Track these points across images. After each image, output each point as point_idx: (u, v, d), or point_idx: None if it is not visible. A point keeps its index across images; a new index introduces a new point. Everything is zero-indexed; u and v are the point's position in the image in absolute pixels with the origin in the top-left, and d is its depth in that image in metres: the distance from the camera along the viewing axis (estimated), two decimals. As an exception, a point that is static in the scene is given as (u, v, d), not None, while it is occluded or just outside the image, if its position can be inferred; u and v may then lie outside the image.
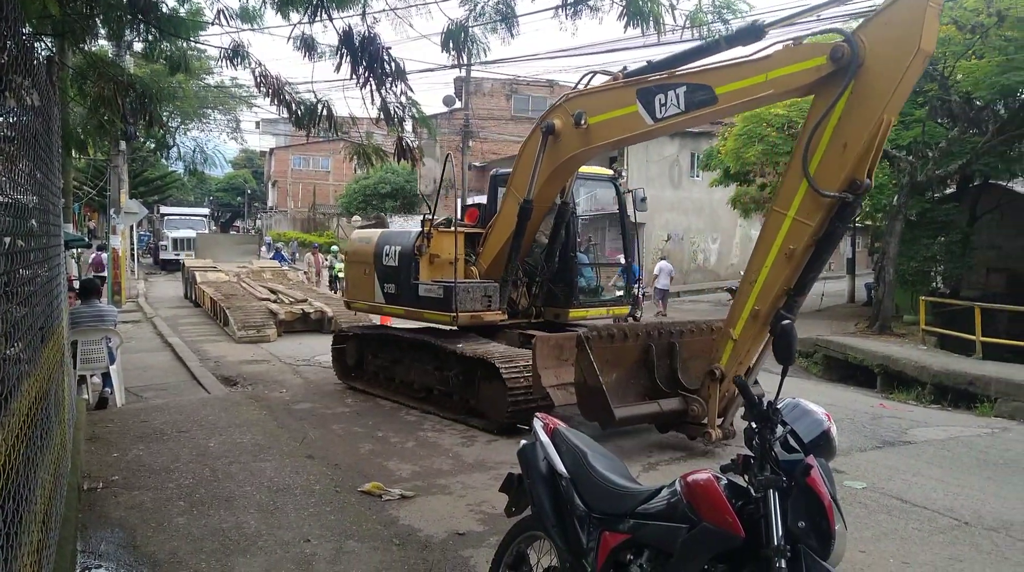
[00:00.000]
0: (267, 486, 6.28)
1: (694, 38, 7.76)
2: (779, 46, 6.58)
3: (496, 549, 3.94)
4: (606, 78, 8.25)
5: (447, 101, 39.68)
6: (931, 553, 5.23)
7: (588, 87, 8.34)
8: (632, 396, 7.50)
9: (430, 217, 9.30)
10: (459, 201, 34.32)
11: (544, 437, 3.66)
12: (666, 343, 7.92)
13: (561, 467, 3.49)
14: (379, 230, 10.60)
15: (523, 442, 3.81)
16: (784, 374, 3.03)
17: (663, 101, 7.36)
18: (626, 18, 7.48)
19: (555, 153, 8.49)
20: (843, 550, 2.77)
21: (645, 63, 7.92)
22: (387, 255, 9.77)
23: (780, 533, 2.62)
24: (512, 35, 8.41)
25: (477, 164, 39.85)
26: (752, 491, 2.76)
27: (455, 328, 9.13)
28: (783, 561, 2.60)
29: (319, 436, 8.03)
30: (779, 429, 2.83)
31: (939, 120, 16.86)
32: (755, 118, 17.84)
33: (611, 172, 10.11)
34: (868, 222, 23.36)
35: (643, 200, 9.69)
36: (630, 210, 9.93)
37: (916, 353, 14.86)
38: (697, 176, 33.39)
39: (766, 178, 19.95)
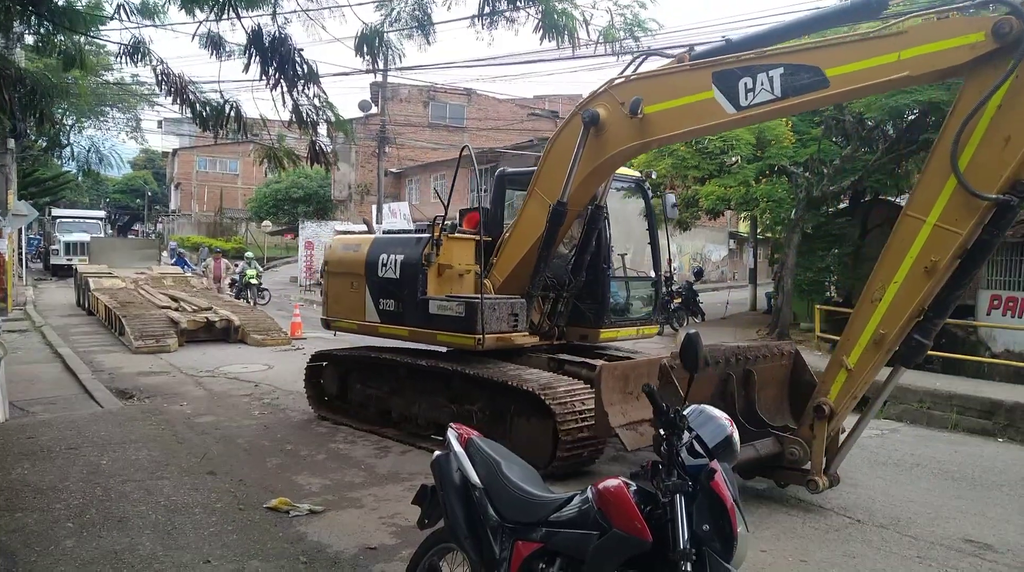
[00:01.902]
0: (164, 505, 5.78)
1: (607, 52, 7.89)
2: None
3: (408, 563, 3.85)
4: (665, 61, 6.82)
5: (363, 106, 37.66)
6: (827, 550, 5.37)
7: (642, 71, 6.87)
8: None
9: (440, 221, 7.55)
10: (375, 207, 32.45)
11: (458, 447, 3.56)
12: (743, 371, 6.53)
13: (475, 477, 3.41)
14: (370, 236, 8.76)
15: (437, 453, 3.69)
16: (691, 382, 3.15)
17: (750, 86, 5.98)
18: (542, 31, 7.43)
19: (599, 147, 6.97)
20: (745, 551, 2.75)
21: (723, 40, 6.49)
22: (384, 266, 7.97)
23: (686, 537, 2.62)
24: (428, 42, 8.24)
25: (393, 170, 37.93)
26: (660, 496, 2.74)
27: (476, 351, 7.40)
28: (688, 564, 2.59)
29: (222, 451, 7.43)
30: (685, 435, 2.83)
31: (834, 139, 17.28)
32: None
33: (639, 174, 8.66)
34: (769, 234, 23.71)
35: (674, 206, 8.31)
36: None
37: (811, 358, 14.19)
38: (614, 187, 32.58)
39: (677, 190, 19.48)
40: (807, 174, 16.84)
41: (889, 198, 19.03)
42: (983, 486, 7.15)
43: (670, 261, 8.63)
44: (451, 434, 3.70)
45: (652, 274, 8.53)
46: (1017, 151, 4.94)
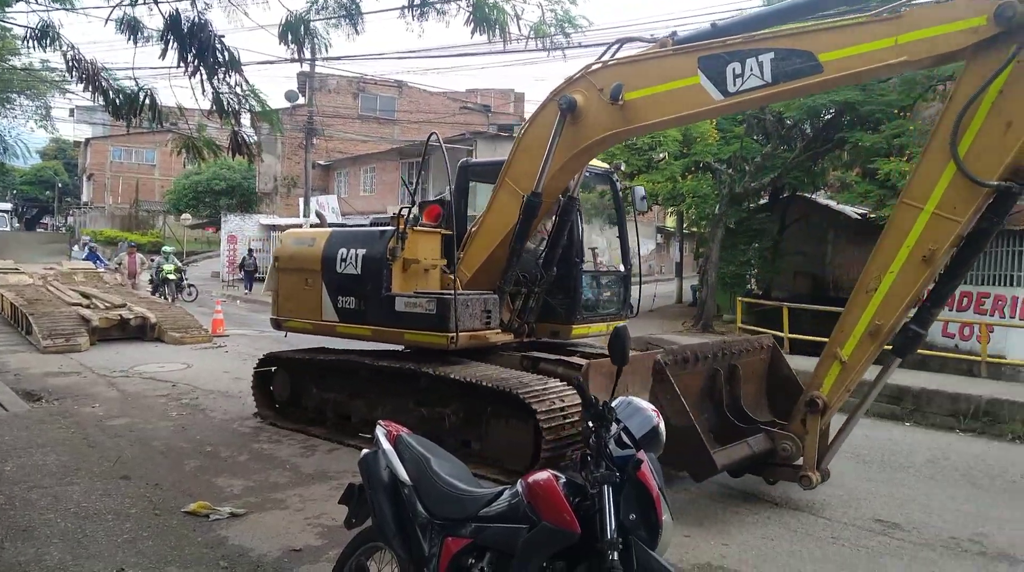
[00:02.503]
0: (74, 512, 5.46)
1: (538, 48, 7.81)
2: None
3: (335, 563, 3.75)
4: (644, 47, 6.50)
5: (289, 96, 36.51)
6: (747, 534, 5.48)
7: (621, 56, 6.54)
8: (711, 435, 5.80)
9: (405, 211, 7.06)
10: (303, 200, 31.39)
11: (387, 445, 3.50)
12: (728, 366, 6.29)
13: (404, 474, 3.35)
14: (326, 229, 8.16)
15: (365, 451, 3.61)
16: (619, 375, 3.11)
17: (738, 71, 5.73)
18: (473, 23, 7.29)
19: (576, 135, 6.62)
20: (670, 538, 2.81)
21: (709, 25, 6.22)
22: (344, 261, 7.41)
23: (613, 527, 2.64)
24: (357, 31, 8.01)
25: (322, 163, 36.85)
26: (588, 488, 2.75)
27: (446, 350, 6.95)
28: (615, 554, 2.61)
29: (137, 454, 7.02)
30: (613, 427, 2.85)
31: (755, 137, 17.66)
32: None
33: (607, 166, 8.34)
34: (694, 229, 24.35)
35: (643, 199, 8.02)
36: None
37: None
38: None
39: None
40: (730, 171, 17.19)
41: (806, 194, 19.77)
42: (891, 468, 7.44)
43: (636, 253, 8.31)
44: (380, 431, 3.62)
45: (621, 268, 8.22)
46: (1019, 137, 4.82)
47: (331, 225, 9.12)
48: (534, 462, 6.11)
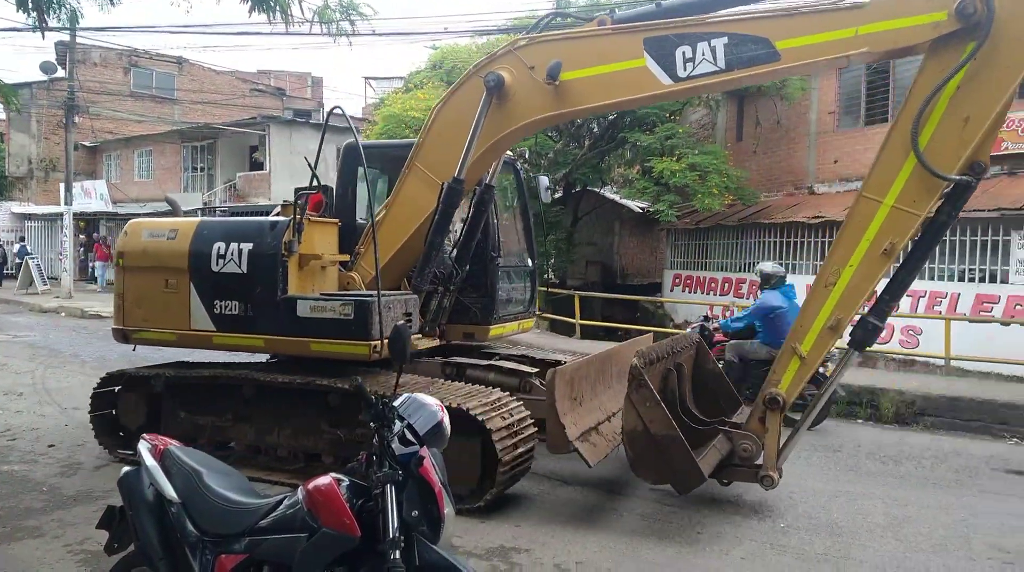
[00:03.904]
0: None
1: (322, 33, 7.67)
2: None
3: None
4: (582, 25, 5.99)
5: (46, 68, 31.68)
6: (537, 515, 5.53)
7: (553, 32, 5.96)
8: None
9: (302, 198, 5.97)
10: (64, 185, 27.37)
11: (151, 461, 3.26)
12: (675, 365, 5.96)
13: (171, 492, 3.14)
14: (192, 219, 6.74)
15: (126, 469, 3.36)
16: (399, 373, 3.21)
17: (689, 55, 5.43)
18: (250, 3, 6.98)
19: (503, 117, 6.00)
20: (452, 531, 2.86)
21: (654, 5, 5.79)
22: (221, 257, 6.14)
23: (395, 525, 2.63)
24: (112, 2, 7.63)
25: (87, 144, 32.46)
26: (372, 488, 2.73)
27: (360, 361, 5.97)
28: (397, 552, 2.60)
29: None
30: (396, 425, 2.83)
31: (549, 133, 18.30)
32: (394, 118, 17.39)
33: (510, 153, 7.70)
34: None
35: (548, 189, 7.52)
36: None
37: (530, 336, 15.10)
38: (346, 171, 31.02)
39: None
40: (526, 165, 17.49)
41: (594, 189, 20.80)
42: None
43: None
44: (143, 446, 3.37)
45: (529, 263, 7.64)
46: (976, 131, 4.89)
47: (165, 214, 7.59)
48: (482, 482, 5.41)
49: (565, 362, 6.81)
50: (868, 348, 5.47)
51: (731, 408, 6.45)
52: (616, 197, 22.19)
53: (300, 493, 2.87)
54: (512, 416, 5.43)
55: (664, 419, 4.93)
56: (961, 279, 12.40)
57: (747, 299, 15.14)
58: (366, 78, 34.34)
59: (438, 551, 2.74)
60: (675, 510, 5.69)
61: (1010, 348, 10.51)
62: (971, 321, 11.39)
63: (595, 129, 17.76)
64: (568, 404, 5.21)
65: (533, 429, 5.60)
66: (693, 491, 5.41)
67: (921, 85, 5.04)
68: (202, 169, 30.12)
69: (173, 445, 3.35)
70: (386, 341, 5.73)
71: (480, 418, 5.20)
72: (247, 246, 6.08)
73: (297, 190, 7.35)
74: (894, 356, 12.28)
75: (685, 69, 5.45)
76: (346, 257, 6.56)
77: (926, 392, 9.37)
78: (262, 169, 29.18)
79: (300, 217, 6.00)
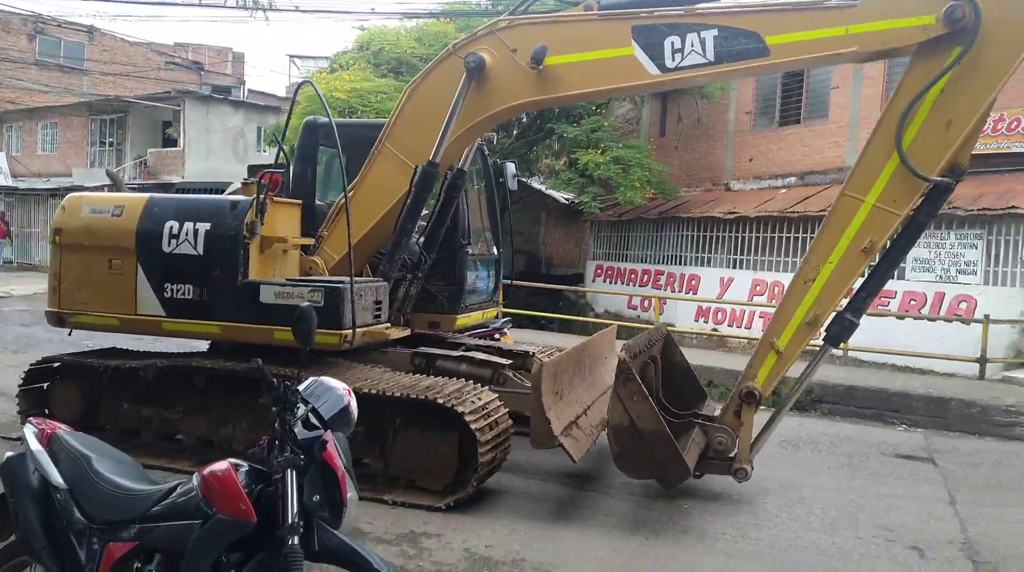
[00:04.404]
0: None
1: (238, 5, 7.90)
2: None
3: None
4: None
5: (-65, 28, 29.33)
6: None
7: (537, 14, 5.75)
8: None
9: (268, 176, 5.58)
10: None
11: (36, 445, 3.09)
12: (650, 357, 5.88)
13: (57, 478, 3.00)
14: (140, 195, 6.17)
15: (8, 454, 3.19)
16: (304, 356, 3.08)
17: (678, 46, 5.33)
18: None
19: (482, 101, 5.76)
20: (355, 516, 2.82)
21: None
22: (174, 237, 5.66)
23: (294, 511, 2.60)
24: None
25: (-16, 114, 30.16)
26: (273, 474, 2.69)
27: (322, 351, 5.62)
28: (295, 538, 2.57)
29: None
30: (300, 409, 2.79)
31: None
32: (317, 99, 16.31)
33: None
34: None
35: (514, 176, 7.33)
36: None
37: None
38: (264, 151, 29.97)
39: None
40: None
41: (522, 179, 20.71)
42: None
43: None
44: (29, 430, 3.20)
45: (494, 251, 7.40)
46: (958, 135, 4.96)
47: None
48: (458, 478, 5.19)
49: (533, 354, 6.67)
50: (843, 344, 5.52)
51: (697, 400, 6.43)
52: (543, 187, 22.24)
53: (195, 479, 2.81)
54: (490, 410, 5.21)
55: (651, 414, 4.82)
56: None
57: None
58: (290, 56, 33.21)
59: (339, 536, 2.72)
60: (578, 494, 5.71)
61: (904, 341, 11.00)
62: (869, 315, 11.74)
63: (524, 119, 17.54)
64: (552, 398, 5.04)
65: (510, 422, 5.42)
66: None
67: (907, 87, 5.08)
68: (111, 144, 28.38)
69: (62, 429, 3.21)
70: (359, 330, 5.44)
71: (463, 413, 4.96)
72: (204, 226, 5.61)
73: (250, 167, 6.95)
74: None
75: (674, 60, 5.35)
76: (309, 240, 6.18)
77: (825, 381, 9.64)
78: (176, 146, 27.82)
79: (264, 197, 5.60)
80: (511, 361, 6.16)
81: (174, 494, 2.86)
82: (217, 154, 28.98)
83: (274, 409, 2.74)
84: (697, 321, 14.56)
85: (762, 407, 6.40)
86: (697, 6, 5.42)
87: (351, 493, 2.75)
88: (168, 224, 5.68)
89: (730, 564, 4.65)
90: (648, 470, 5.13)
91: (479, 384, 5.55)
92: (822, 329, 5.49)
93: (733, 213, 14.54)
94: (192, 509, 2.74)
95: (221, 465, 2.77)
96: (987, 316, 10.43)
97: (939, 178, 5.02)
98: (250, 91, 32.62)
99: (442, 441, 5.18)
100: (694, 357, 9.51)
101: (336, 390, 2.94)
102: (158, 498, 2.88)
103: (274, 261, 5.88)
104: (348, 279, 5.36)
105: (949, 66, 4.85)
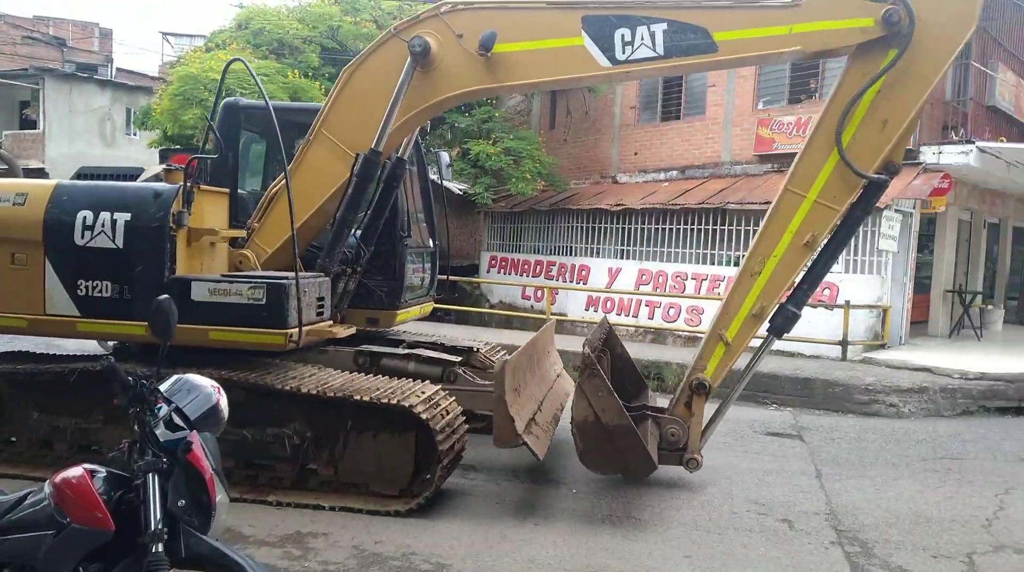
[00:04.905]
0: None
1: None
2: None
3: None
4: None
5: None
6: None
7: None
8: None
9: (194, 163, 5.13)
10: None
11: None
12: (600, 351, 5.85)
13: None
14: (46, 182, 5.47)
15: None
16: (163, 351, 2.82)
17: (628, 38, 5.32)
18: None
19: (426, 87, 5.52)
20: (225, 518, 2.72)
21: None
22: (89, 229, 5.09)
23: (157, 517, 2.47)
24: None
25: None
26: (133, 479, 2.57)
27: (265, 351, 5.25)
28: (159, 545, 2.45)
29: None
30: (163, 409, 2.65)
31: None
32: (191, 79, 15.80)
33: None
34: None
35: (448, 166, 7.10)
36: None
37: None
38: (135, 134, 28.07)
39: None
40: None
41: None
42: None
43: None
44: None
45: (430, 244, 7.14)
46: (892, 134, 5.19)
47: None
48: (414, 482, 4.98)
49: (478, 350, 6.51)
50: (787, 334, 5.70)
51: (640, 392, 6.47)
52: (435, 178, 21.86)
53: (47, 487, 2.62)
54: (447, 412, 5.02)
55: (616, 409, 4.78)
56: (736, 264, 13.57)
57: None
58: (163, 33, 31.15)
59: (208, 541, 2.58)
60: (476, 484, 5.68)
61: None
62: None
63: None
64: (512, 396, 4.90)
65: (464, 420, 5.25)
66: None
67: (845, 88, 5.25)
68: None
69: None
70: (304, 329, 5.10)
71: (423, 415, 4.74)
72: (124, 216, 5.06)
73: (162, 151, 6.43)
74: (680, 333, 13.26)
75: (624, 52, 5.31)
76: (242, 232, 5.74)
77: (704, 365, 10.21)
78: (35, 128, 25.61)
79: (191, 184, 5.14)
80: (461, 358, 5.98)
81: (24, 504, 2.66)
82: (82, 137, 26.92)
83: (130, 411, 2.59)
84: (588, 310, 14.82)
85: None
86: (648, -1, 5.40)
87: (220, 495, 2.64)
88: (81, 214, 5.09)
89: (614, 542, 4.69)
90: (614, 465, 5.10)
91: (429, 382, 5.35)
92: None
93: (620, 205, 14.88)
94: (44, 520, 2.55)
95: (75, 471, 2.59)
96: (848, 302, 11.15)
97: (876, 175, 5.24)
98: (118, 70, 30.41)
99: (398, 443, 4.94)
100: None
101: (203, 388, 2.79)
102: (4, 510, 2.66)
103: (201, 255, 5.41)
104: (292, 275, 4.99)
105: (887, 68, 5.05)
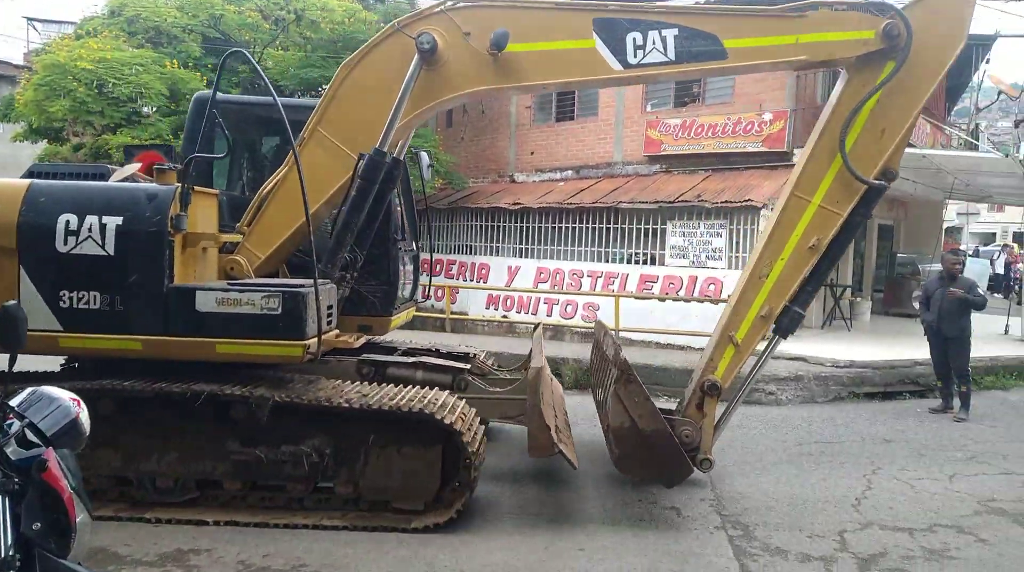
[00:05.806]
0: None
1: None
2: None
3: None
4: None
5: None
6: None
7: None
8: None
9: (189, 164, 4.73)
10: None
11: None
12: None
13: None
14: (20, 181, 4.82)
15: None
16: (12, 363, 2.60)
17: (639, 42, 5.35)
18: None
19: (432, 86, 5.36)
20: (88, 539, 2.55)
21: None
22: (73, 234, 4.56)
23: (8, 542, 2.29)
24: None
25: None
26: None
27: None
28: None
29: None
30: (15, 425, 2.47)
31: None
32: (59, 68, 14.66)
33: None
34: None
35: (429, 166, 6.87)
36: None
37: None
38: (-1, 127, 25.78)
39: (81, 138, 16.60)
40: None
41: None
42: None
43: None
44: None
45: (413, 247, 6.86)
46: (891, 142, 5.45)
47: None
48: (439, 496, 4.79)
49: (475, 355, 6.34)
50: (792, 334, 5.84)
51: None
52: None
53: None
54: (471, 421, 4.84)
55: (653, 414, 4.75)
56: (629, 262, 14.04)
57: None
58: (28, 19, 28.77)
59: (68, 565, 2.41)
60: None
61: (665, 321, 12.11)
62: (636, 298, 12.79)
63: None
64: (546, 405, 4.78)
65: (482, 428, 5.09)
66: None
67: (846, 96, 5.47)
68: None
69: None
70: (315, 338, 4.77)
71: (454, 425, 4.54)
72: (114, 221, 4.55)
73: (127, 148, 5.98)
74: (576, 329, 13.49)
75: (635, 56, 5.32)
76: (238, 237, 5.32)
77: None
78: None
79: (188, 185, 4.72)
80: (470, 365, 5.79)
81: None
82: (-74, 135, 24.46)
83: None
84: (488, 309, 14.87)
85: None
86: (657, 3, 5.42)
87: (81, 516, 2.45)
88: (63, 218, 4.55)
89: (507, 538, 4.71)
90: (652, 470, 5.07)
91: (439, 390, 5.15)
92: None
93: (517, 204, 15.05)
94: None
95: None
96: (730, 297, 11.50)
97: (876, 181, 5.46)
98: (-24, 56, 27.83)
99: (425, 456, 4.71)
100: (487, 344, 9.82)
101: (61, 401, 2.56)
102: None
103: (195, 262, 4.98)
104: (307, 282, 4.67)
105: (887, 78, 5.29)
